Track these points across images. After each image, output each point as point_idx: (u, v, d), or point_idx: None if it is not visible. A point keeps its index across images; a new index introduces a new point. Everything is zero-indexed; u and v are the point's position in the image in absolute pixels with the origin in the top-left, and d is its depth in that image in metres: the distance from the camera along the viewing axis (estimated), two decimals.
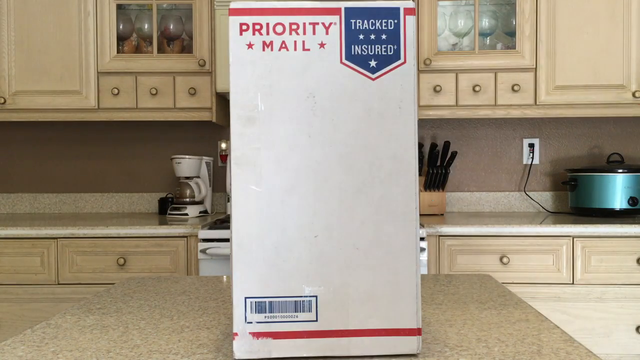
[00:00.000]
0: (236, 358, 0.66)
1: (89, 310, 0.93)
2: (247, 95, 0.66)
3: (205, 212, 2.78)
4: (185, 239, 2.33)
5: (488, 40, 2.77)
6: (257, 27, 0.66)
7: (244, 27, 0.66)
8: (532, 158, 2.90)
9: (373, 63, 0.67)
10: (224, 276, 1.22)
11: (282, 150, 0.66)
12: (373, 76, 0.67)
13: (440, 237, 2.31)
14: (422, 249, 2.29)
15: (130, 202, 2.97)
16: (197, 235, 2.33)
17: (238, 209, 0.66)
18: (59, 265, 2.33)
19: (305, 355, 0.67)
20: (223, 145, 2.96)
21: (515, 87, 2.53)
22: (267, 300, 0.66)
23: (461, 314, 0.89)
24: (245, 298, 0.66)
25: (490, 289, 1.07)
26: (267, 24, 0.66)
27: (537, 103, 2.54)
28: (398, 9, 0.67)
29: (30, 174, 2.98)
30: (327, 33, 0.66)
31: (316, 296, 0.67)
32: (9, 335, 2.33)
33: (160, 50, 2.71)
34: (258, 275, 0.66)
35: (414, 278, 0.67)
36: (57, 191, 2.97)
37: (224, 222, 2.45)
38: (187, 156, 2.67)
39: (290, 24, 0.66)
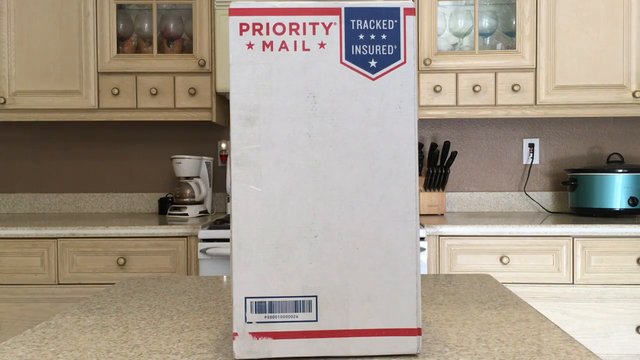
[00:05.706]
0: (236, 358, 0.66)
1: (89, 310, 0.93)
2: (247, 95, 0.66)
3: (205, 212, 2.78)
4: (185, 239, 2.33)
5: (488, 40, 2.77)
6: (257, 27, 0.66)
7: (244, 27, 0.66)
8: (532, 158, 2.90)
9: (373, 63, 0.67)
10: (224, 276, 1.22)
11: (282, 150, 0.66)
12: (373, 76, 0.67)
13: (440, 237, 2.31)
14: (422, 249, 2.29)
15: (130, 202, 2.97)
16: (197, 235, 2.33)
17: (238, 209, 0.66)
18: (59, 265, 2.33)
19: (305, 355, 0.67)
20: (223, 145, 2.96)
21: (515, 87, 2.53)
22: (267, 300, 0.66)
23: (461, 314, 0.89)
24: (245, 298, 0.66)
25: (490, 289, 1.07)
26: (267, 24, 0.66)
27: (537, 103, 2.54)
28: (398, 9, 0.67)
29: (30, 174, 2.98)
30: (327, 33, 0.66)
31: (316, 296, 0.67)
32: (9, 335, 2.33)
33: (160, 50, 2.71)
34: (258, 275, 0.66)
35: (414, 278, 0.67)
36: (57, 191, 2.97)
37: (224, 222, 2.45)
38: (187, 156, 2.67)
39: (290, 24, 0.66)
